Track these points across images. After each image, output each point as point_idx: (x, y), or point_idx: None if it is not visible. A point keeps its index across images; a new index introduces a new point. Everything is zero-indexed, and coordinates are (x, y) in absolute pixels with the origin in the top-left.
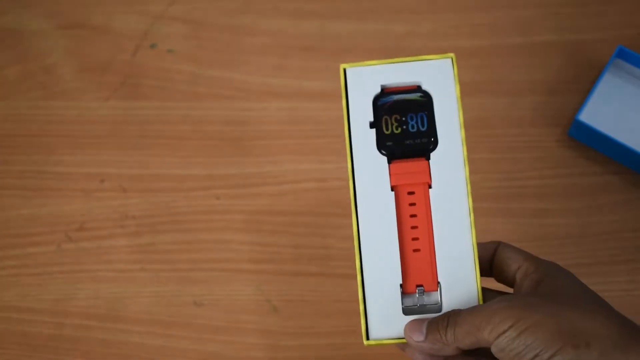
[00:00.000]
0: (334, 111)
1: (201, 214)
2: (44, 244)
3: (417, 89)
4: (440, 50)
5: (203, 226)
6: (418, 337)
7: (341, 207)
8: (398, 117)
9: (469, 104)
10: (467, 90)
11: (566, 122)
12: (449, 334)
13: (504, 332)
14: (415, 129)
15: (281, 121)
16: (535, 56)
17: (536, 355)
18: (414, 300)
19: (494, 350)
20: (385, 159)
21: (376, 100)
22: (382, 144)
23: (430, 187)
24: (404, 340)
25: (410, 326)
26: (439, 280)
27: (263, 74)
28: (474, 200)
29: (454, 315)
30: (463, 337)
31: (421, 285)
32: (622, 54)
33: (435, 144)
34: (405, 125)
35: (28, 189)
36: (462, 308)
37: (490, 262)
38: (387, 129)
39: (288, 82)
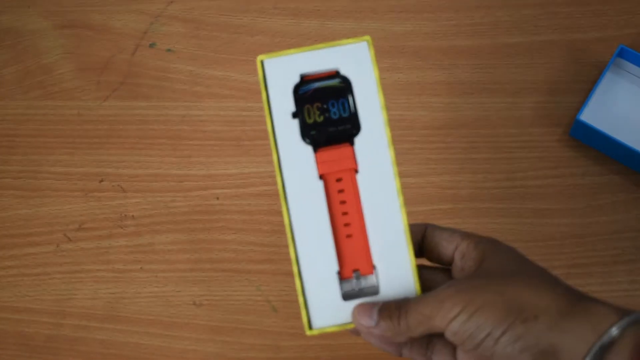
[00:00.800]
0: None
1: (201, 214)
2: (42, 244)
3: (336, 74)
4: (440, 50)
5: (203, 226)
6: (368, 323)
7: None
8: (319, 105)
9: (469, 104)
10: (467, 90)
11: (567, 122)
12: (402, 324)
13: (455, 317)
14: (337, 116)
15: None
16: (536, 56)
17: (488, 334)
18: (351, 285)
19: (447, 335)
20: (310, 148)
21: (296, 90)
22: (306, 133)
23: (357, 172)
24: (350, 326)
25: (358, 310)
26: (375, 263)
27: None
28: (474, 200)
29: (405, 305)
30: (416, 327)
31: (357, 270)
32: (623, 54)
33: (357, 128)
34: (327, 113)
35: (26, 189)
36: (399, 289)
37: (419, 244)
38: (310, 118)
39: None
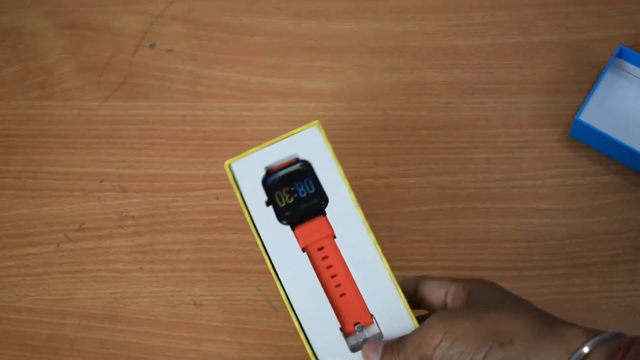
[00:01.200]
0: (333, 111)
1: (201, 214)
2: (43, 244)
3: (296, 161)
4: (440, 50)
5: (203, 226)
6: (375, 357)
7: None
8: (288, 189)
9: (469, 104)
10: (468, 90)
11: (567, 122)
12: (401, 355)
13: (438, 344)
14: (305, 194)
15: (281, 121)
16: (535, 56)
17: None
18: (356, 338)
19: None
20: (288, 227)
21: (265, 181)
22: (282, 216)
23: (334, 237)
24: None
25: (367, 347)
26: (372, 312)
27: (263, 74)
28: (474, 200)
29: (403, 339)
30: (411, 356)
31: (358, 323)
32: (622, 54)
33: (326, 200)
34: (296, 194)
35: (27, 189)
36: (399, 328)
37: (414, 295)
38: (282, 202)
39: (288, 82)
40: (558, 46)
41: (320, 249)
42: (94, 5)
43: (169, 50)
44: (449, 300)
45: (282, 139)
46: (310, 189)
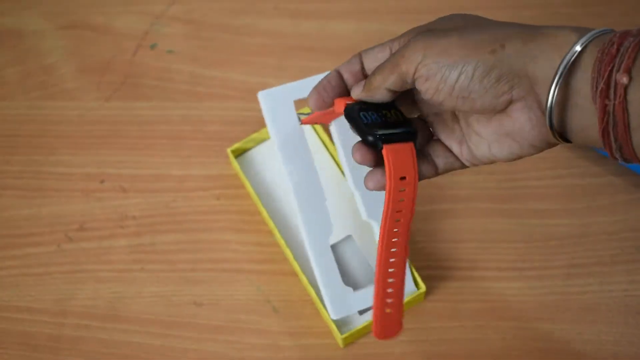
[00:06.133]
0: None
1: (201, 214)
2: (43, 244)
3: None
4: None
5: (203, 226)
6: (357, 89)
7: None
8: (374, 111)
9: None
10: None
11: None
12: (378, 75)
13: (420, 61)
14: (393, 119)
15: None
16: None
17: (461, 73)
18: None
19: (419, 86)
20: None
21: (348, 106)
22: (368, 132)
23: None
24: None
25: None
26: None
27: (263, 74)
28: (474, 200)
29: (382, 62)
30: (388, 75)
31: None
32: None
33: (415, 130)
34: (384, 117)
35: (28, 189)
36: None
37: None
38: (367, 119)
39: (288, 82)
40: None
41: (402, 178)
42: (94, 5)
43: (169, 51)
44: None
45: (312, 76)
46: (398, 116)
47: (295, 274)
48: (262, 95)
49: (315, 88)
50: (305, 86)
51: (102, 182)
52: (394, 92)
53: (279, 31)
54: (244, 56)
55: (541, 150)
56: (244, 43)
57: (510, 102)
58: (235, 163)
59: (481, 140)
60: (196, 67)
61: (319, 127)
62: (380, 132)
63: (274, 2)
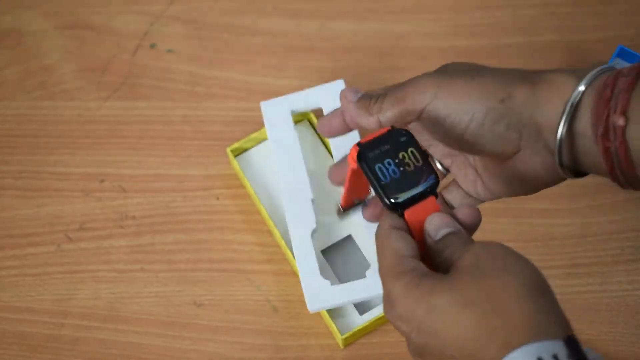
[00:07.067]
0: None
1: (201, 214)
2: (43, 244)
3: (392, 129)
4: (440, 50)
5: (203, 226)
6: (351, 96)
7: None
8: (391, 160)
9: None
10: None
11: None
12: (376, 105)
13: (430, 102)
14: (412, 166)
15: None
16: (535, 56)
17: (471, 119)
18: None
19: (424, 126)
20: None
21: (361, 153)
22: (390, 197)
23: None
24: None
25: (347, 89)
26: None
27: (263, 74)
28: None
29: (389, 88)
30: (387, 109)
31: None
32: (622, 54)
33: (436, 176)
34: (402, 167)
35: (28, 189)
36: None
37: None
38: (385, 177)
39: (288, 82)
40: (558, 46)
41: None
42: (94, 5)
43: (169, 51)
44: None
45: (309, 89)
46: (416, 157)
47: (295, 274)
48: (264, 105)
49: (321, 120)
50: (301, 98)
51: (101, 182)
52: (382, 124)
53: (279, 31)
54: (244, 56)
55: (558, 183)
56: (244, 43)
57: (519, 149)
58: (235, 163)
59: (497, 180)
60: (196, 67)
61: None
62: (401, 196)
63: (273, 1)
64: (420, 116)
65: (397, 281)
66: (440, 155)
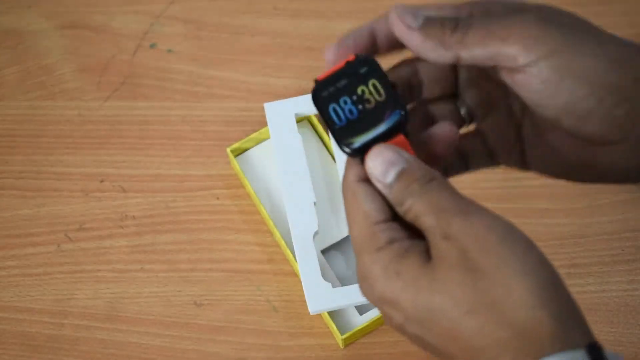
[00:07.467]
0: None
1: (201, 214)
2: (43, 244)
3: (355, 58)
4: None
5: (203, 226)
6: (412, 21)
7: None
8: (347, 99)
9: None
10: None
11: None
12: (456, 35)
13: (537, 61)
14: (373, 103)
15: None
16: None
17: (591, 94)
18: None
19: (518, 79)
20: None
21: (315, 93)
22: (342, 141)
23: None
24: None
25: (402, 9)
26: None
27: (263, 74)
28: (476, 200)
29: (469, 19)
30: (474, 43)
31: None
32: None
33: (405, 109)
34: (360, 104)
35: (27, 189)
36: None
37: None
38: (340, 119)
39: (288, 82)
40: None
41: None
42: (94, 5)
43: (169, 51)
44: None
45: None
46: (378, 90)
47: (295, 274)
48: (267, 107)
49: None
50: (306, 101)
51: (101, 182)
52: (464, 62)
53: (279, 31)
54: (244, 56)
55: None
56: (244, 43)
57: (622, 139)
58: (235, 162)
59: (553, 157)
60: (196, 66)
61: (321, 128)
62: (357, 140)
63: (273, 1)
64: (519, 70)
65: (374, 263)
66: (476, 100)
